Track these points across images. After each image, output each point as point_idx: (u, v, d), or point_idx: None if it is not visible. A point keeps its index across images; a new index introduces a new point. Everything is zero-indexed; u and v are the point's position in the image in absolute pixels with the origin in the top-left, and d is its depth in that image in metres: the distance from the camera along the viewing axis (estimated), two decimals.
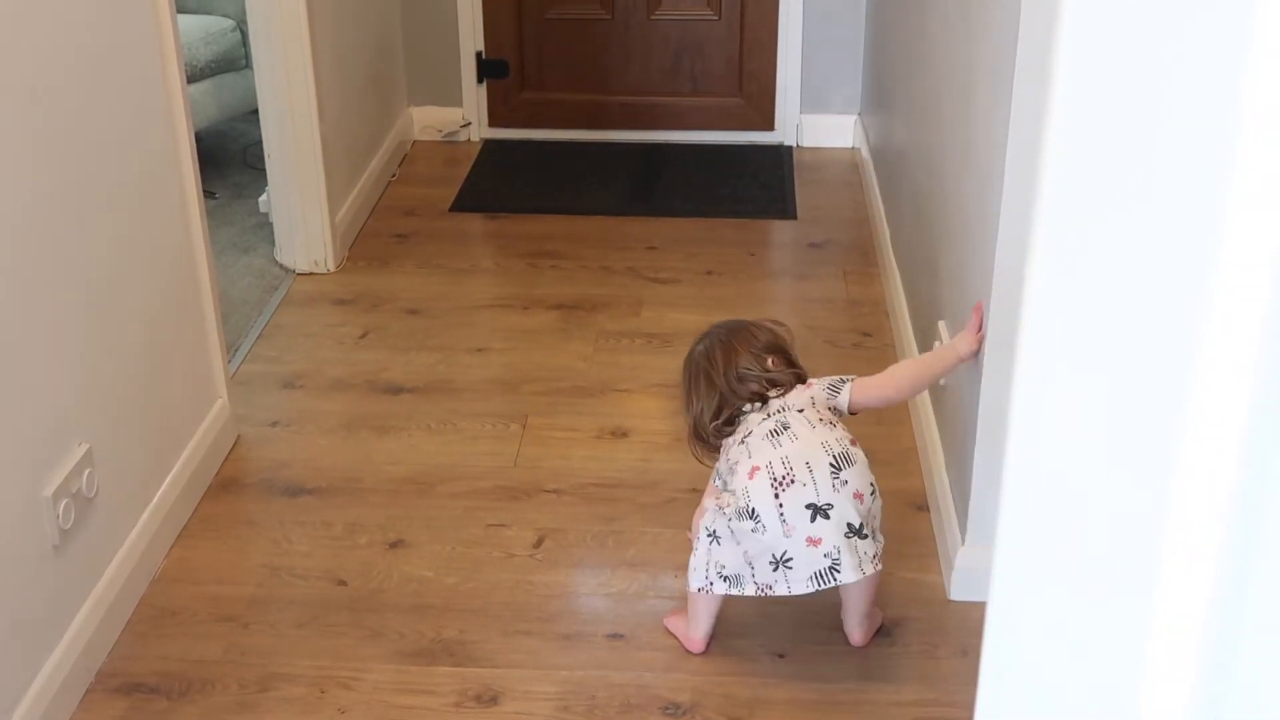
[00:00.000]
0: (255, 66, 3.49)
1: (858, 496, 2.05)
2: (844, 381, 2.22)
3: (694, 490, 2.67)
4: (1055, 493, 0.66)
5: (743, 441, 2.14)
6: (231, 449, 2.81)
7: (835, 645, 2.27)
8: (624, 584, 2.43)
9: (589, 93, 4.54)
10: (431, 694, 2.18)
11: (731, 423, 2.20)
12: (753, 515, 2.04)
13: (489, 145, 4.52)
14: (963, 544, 2.35)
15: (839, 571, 2.03)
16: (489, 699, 2.17)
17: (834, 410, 2.19)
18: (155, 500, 2.47)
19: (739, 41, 4.44)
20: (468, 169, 4.32)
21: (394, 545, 2.53)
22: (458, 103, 4.53)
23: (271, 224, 3.69)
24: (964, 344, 2.23)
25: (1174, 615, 0.66)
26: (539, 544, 2.53)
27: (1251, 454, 0.61)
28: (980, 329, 2.19)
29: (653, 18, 4.44)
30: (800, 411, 2.14)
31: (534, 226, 3.91)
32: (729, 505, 2.08)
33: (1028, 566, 0.69)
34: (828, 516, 2.02)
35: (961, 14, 2.51)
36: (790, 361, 2.28)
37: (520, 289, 3.55)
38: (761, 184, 4.16)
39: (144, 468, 2.44)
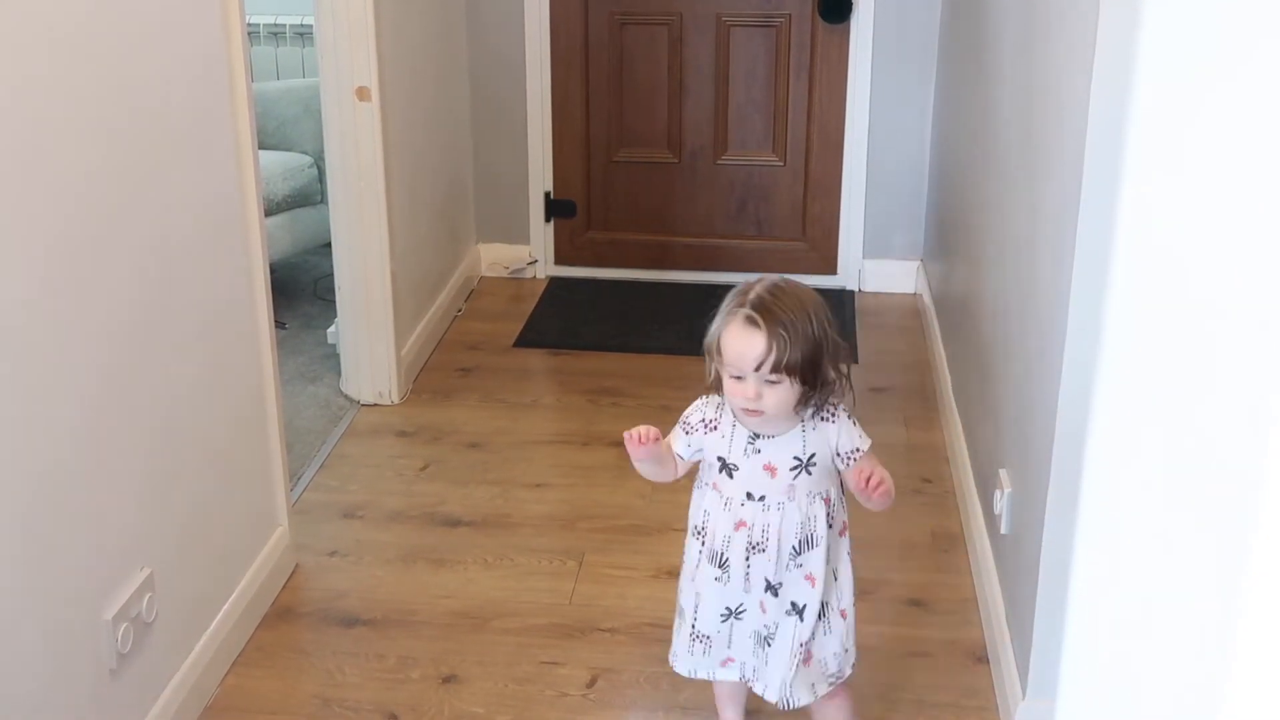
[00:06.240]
0: (330, 202, 3.58)
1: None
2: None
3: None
4: (1118, 648, 0.66)
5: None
6: (289, 577, 2.82)
7: None
8: None
9: (654, 234, 4.60)
10: None
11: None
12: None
13: (554, 283, 4.59)
14: (1023, 697, 2.30)
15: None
16: None
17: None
18: (212, 626, 2.48)
19: (803, 186, 4.50)
20: (532, 305, 4.38)
21: (446, 680, 2.51)
22: (525, 240, 4.61)
23: (338, 355, 3.75)
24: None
25: None
26: (592, 684, 2.51)
27: None
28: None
29: (719, 162, 4.51)
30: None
31: (596, 364, 3.95)
32: None
33: None
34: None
35: (1024, 165, 2.54)
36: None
37: (580, 425, 3.57)
38: None
39: (203, 593, 2.46)
